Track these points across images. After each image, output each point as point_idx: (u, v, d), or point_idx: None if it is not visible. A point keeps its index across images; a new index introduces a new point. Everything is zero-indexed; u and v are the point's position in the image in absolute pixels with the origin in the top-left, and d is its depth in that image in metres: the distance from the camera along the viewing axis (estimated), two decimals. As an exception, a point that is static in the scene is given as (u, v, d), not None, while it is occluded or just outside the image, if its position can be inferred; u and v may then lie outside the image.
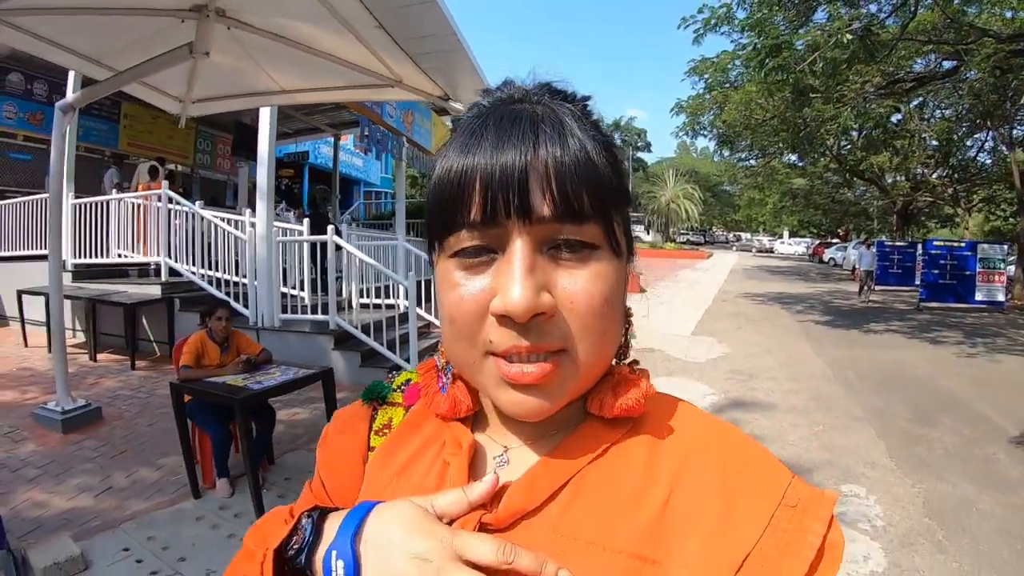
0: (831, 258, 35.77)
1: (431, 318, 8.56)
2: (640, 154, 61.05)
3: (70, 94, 7.20)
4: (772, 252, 52.76)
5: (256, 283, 7.14)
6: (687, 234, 59.04)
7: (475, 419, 0.66)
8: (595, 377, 0.58)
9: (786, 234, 54.34)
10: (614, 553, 0.51)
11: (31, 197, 9.25)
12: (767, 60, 9.84)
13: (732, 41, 12.54)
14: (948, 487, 4.44)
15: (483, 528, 0.54)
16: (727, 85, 14.44)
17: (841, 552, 0.50)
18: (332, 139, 14.87)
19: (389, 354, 6.63)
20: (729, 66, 13.46)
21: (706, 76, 14.22)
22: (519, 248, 0.51)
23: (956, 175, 23.21)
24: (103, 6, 3.93)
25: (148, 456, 4.69)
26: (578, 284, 0.53)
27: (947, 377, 7.98)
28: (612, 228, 0.55)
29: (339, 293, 7.37)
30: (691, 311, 14.11)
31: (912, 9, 10.26)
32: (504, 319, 0.51)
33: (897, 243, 21.12)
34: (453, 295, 0.54)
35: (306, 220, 7.93)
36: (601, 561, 0.51)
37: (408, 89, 5.32)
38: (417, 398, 0.71)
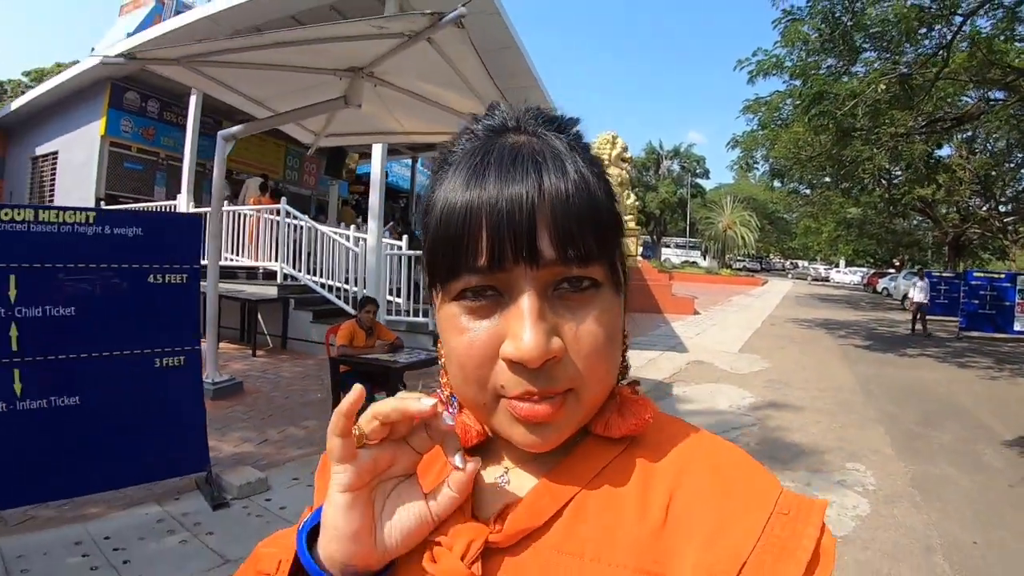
0: (884, 288, 35.90)
1: None
2: (698, 180, 61.55)
3: (189, 118, 8.65)
4: (828, 281, 52.65)
5: (365, 289, 8.49)
6: (743, 261, 59.14)
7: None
8: (599, 405, 0.59)
9: (842, 263, 54.12)
10: (618, 568, 0.52)
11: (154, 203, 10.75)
12: (811, 107, 10.92)
13: (784, 82, 13.44)
14: (934, 469, 5.45)
15: (489, 546, 0.55)
16: (779, 123, 15.31)
17: (834, 556, 0.52)
18: (410, 160, 16.33)
19: None
20: (781, 105, 14.45)
21: (760, 114, 15.24)
22: (528, 294, 0.52)
23: (1004, 207, 23.59)
24: (281, 63, 5.07)
25: (292, 419, 5.90)
26: (584, 326, 0.54)
27: (964, 394, 8.84)
28: (615, 264, 0.57)
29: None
30: (740, 332, 15.00)
31: (945, 56, 11.04)
32: (515, 365, 0.52)
33: (944, 274, 21.75)
34: (462, 341, 0.54)
35: (404, 237, 9.30)
36: None
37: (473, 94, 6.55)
38: None
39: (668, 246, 56.46)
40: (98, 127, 12.97)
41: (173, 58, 5.09)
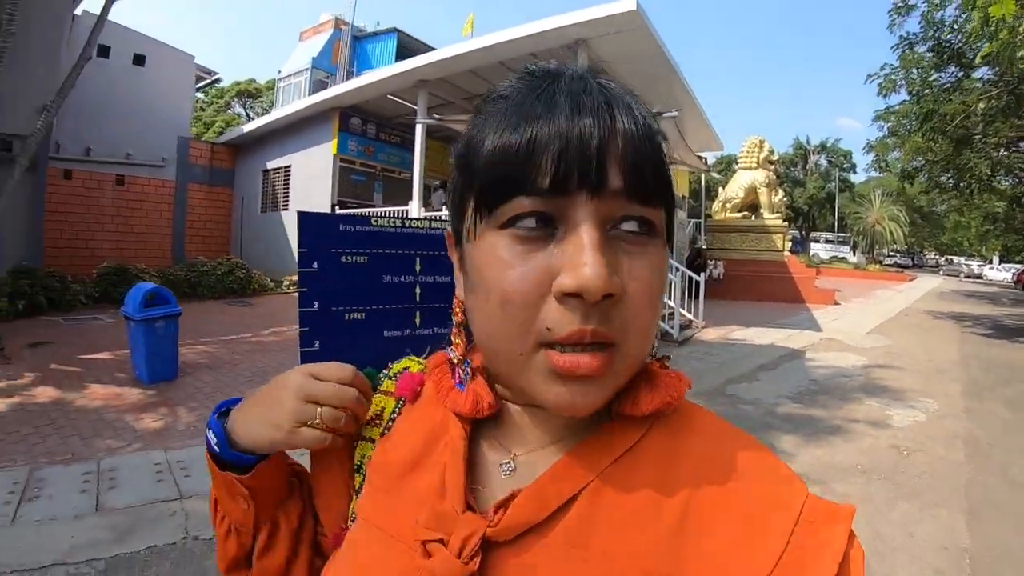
0: (1032, 284, 34.74)
1: (689, 315, 12.55)
2: (846, 174, 61.10)
3: (417, 139, 12.18)
4: (980, 278, 51.39)
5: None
6: (894, 256, 58.38)
7: (482, 422, 0.63)
8: (634, 372, 0.56)
9: (995, 259, 52.68)
10: (629, 568, 0.50)
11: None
12: (923, 124, 13.01)
13: (909, 92, 15.11)
14: (986, 406, 7.68)
15: (488, 541, 0.53)
16: (906, 131, 16.78)
17: (862, 567, 0.50)
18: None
19: (667, 326, 10.62)
20: (908, 114, 16.10)
21: (890, 122, 17.04)
22: (589, 224, 0.49)
23: None
24: None
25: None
26: (638, 272, 0.51)
27: (1056, 371, 10.52)
28: (671, 214, 0.55)
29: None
30: (873, 319, 16.69)
31: None
32: (570, 300, 0.48)
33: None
34: (509, 274, 0.50)
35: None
36: (615, 575, 0.50)
37: (687, 166, 9.34)
38: (410, 390, 0.70)
39: (818, 241, 56.29)
40: (331, 147, 16.65)
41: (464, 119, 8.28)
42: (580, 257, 0.48)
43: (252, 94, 43.61)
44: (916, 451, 5.74)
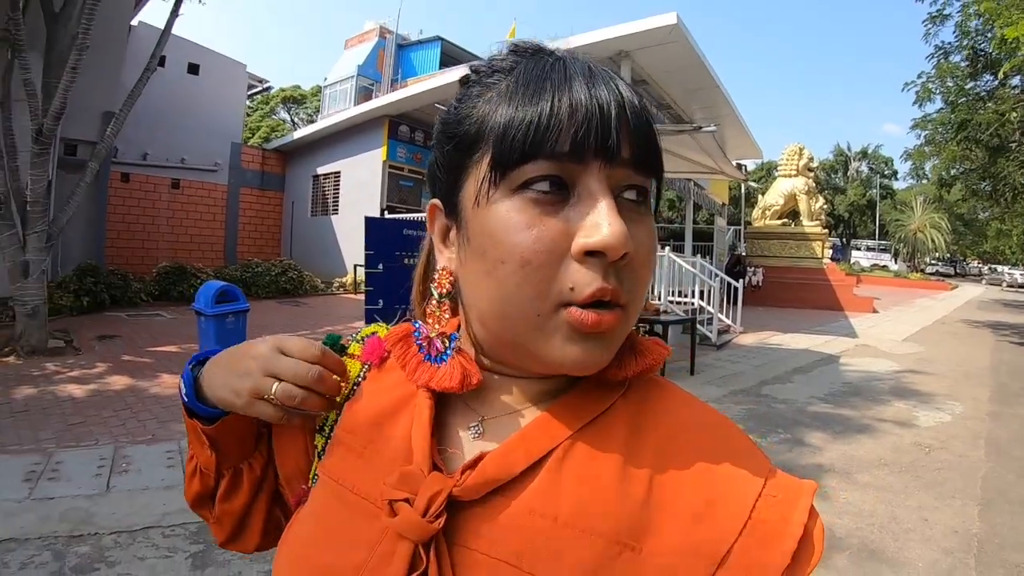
0: (1076, 294, 34.31)
1: (728, 320, 13.05)
2: (887, 180, 60.43)
3: None
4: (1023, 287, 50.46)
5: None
6: (936, 265, 57.62)
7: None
8: (626, 334, 0.57)
9: (1040, 267, 51.22)
10: (592, 535, 0.51)
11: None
12: (957, 134, 13.25)
13: (945, 101, 15.34)
14: (1011, 410, 8.01)
15: (456, 501, 0.53)
16: (944, 140, 16.75)
17: (822, 542, 0.52)
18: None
19: (706, 331, 11.30)
20: (944, 122, 16.21)
21: (926, 131, 17.22)
22: (598, 187, 0.52)
23: None
24: None
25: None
26: (641, 237, 0.53)
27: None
28: (660, 186, 0.58)
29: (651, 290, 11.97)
30: (909, 327, 16.89)
31: None
32: (591, 259, 0.50)
33: None
34: (527, 235, 0.51)
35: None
36: (577, 543, 0.51)
37: (725, 176, 9.80)
38: (375, 356, 0.71)
39: (859, 248, 55.70)
40: (380, 153, 17.30)
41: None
42: (601, 218, 0.50)
43: (297, 100, 44.55)
44: (938, 448, 6.11)
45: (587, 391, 0.59)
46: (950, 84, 14.56)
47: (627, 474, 0.54)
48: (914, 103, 15.24)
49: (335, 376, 0.66)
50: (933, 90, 14.73)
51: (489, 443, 0.59)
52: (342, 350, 0.74)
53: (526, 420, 0.59)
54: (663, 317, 9.27)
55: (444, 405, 0.64)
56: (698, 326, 10.79)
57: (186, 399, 0.72)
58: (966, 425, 7.12)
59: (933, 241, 43.27)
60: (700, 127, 7.88)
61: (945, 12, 14.23)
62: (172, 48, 16.48)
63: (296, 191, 20.73)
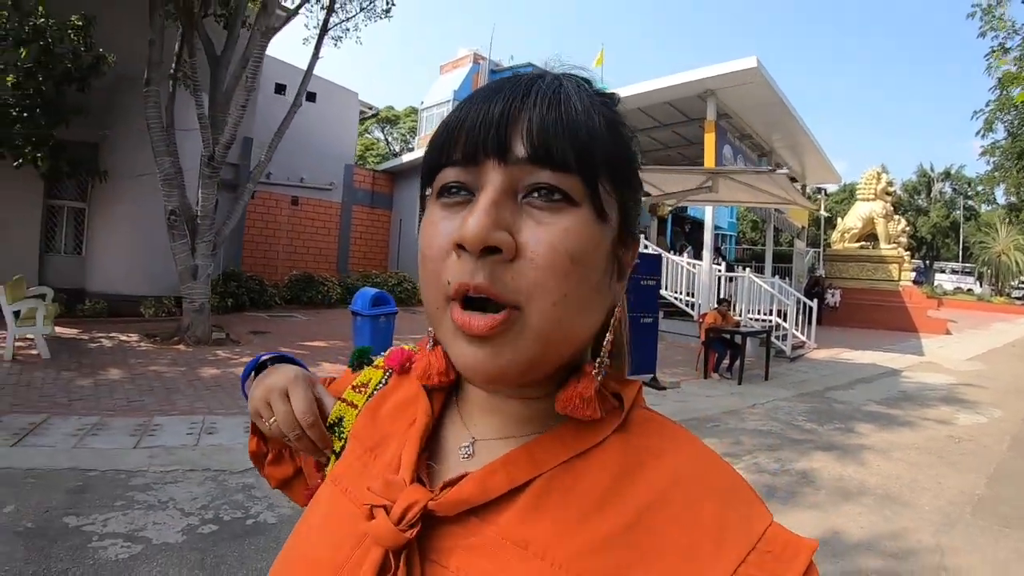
0: None
1: (802, 337, 14.40)
2: (971, 202, 59.42)
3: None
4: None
5: (699, 297, 13.58)
6: (1023, 288, 56.19)
7: (457, 403, 0.66)
8: (557, 352, 0.55)
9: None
10: (560, 571, 0.50)
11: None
12: (1019, 161, 14.28)
13: (1008, 132, 16.29)
14: None
15: (428, 513, 0.54)
16: (1011, 167, 17.79)
17: None
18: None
19: (781, 345, 12.77)
20: (1007, 151, 17.10)
21: (995, 158, 18.07)
22: (489, 184, 0.52)
23: None
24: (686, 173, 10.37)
25: (670, 362, 10.95)
26: (543, 234, 0.51)
27: None
28: (596, 185, 0.54)
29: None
30: (978, 348, 17.72)
31: None
32: (463, 252, 0.51)
33: None
34: (428, 233, 0.55)
35: (724, 262, 14.26)
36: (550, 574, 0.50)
37: (797, 205, 11.29)
38: (396, 362, 0.75)
39: (944, 271, 54.83)
40: None
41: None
42: (471, 212, 0.51)
43: (391, 121, 46.48)
44: (967, 441, 7.52)
45: (576, 426, 0.58)
46: (1011, 115, 15.52)
47: (610, 512, 0.53)
48: (977, 133, 16.24)
49: (316, 443, 0.74)
50: (996, 120, 15.75)
51: (477, 464, 0.58)
52: (369, 363, 0.79)
53: (515, 446, 0.58)
54: (742, 329, 10.79)
55: (444, 422, 0.66)
56: (774, 340, 12.21)
57: (245, 388, 0.85)
58: (999, 426, 8.41)
59: (1018, 264, 42.94)
60: (772, 170, 9.46)
61: (1007, 46, 15.04)
62: (292, 78, 18.51)
63: (403, 209, 22.59)
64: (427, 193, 0.58)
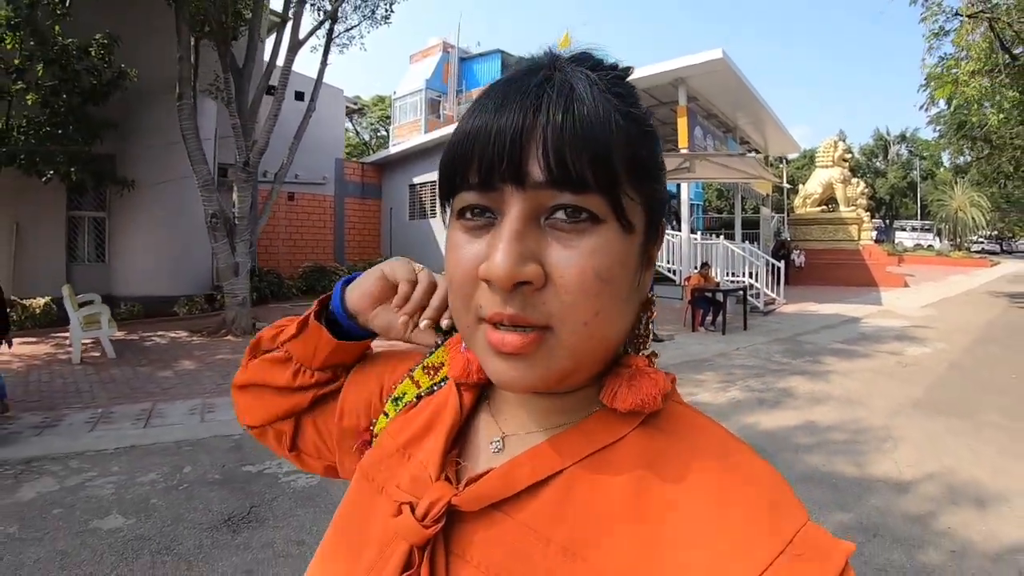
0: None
1: (773, 294, 16.02)
2: (926, 163, 60.97)
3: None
4: (1070, 264, 50.37)
5: (681, 265, 15.09)
6: (982, 243, 57.67)
7: (489, 398, 0.66)
8: (592, 360, 0.55)
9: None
10: (583, 565, 0.50)
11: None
12: (956, 133, 16.00)
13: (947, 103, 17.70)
14: (985, 350, 10.67)
15: (452, 509, 0.55)
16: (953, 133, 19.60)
17: None
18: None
19: (755, 302, 14.31)
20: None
21: (940, 127, 19.69)
22: (511, 214, 0.50)
23: None
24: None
25: (660, 320, 12.31)
26: (571, 258, 0.50)
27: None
28: (619, 200, 0.51)
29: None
30: (932, 297, 19.14)
31: None
32: (491, 284, 0.50)
33: None
34: (453, 257, 0.54)
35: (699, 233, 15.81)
36: (566, 569, 0.50)
37: (764, 180, 12.81)
38: (458, 373, 0.70)
39: (904, 229, 55.68)
40: None
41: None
42: (495, 248, 0.50)
43: (359, 110, 46.34)
44: (912, 365, 9.15)
45: (605, 418, 0.57)
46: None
47: (636, 507, 0.52)
48: (920, 107, 17.74)
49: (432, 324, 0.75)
50: (936, 96, 17.04)
51: (507, 459, 0.58)
52: (447, 338, 0.77)
53: (543, 439, 0.58)
54: (722, 288, 12.37)
55: (476, 418, 0.66)
56: (749, 298, 13.76)
57: (336, 308, 0.80)
58: (941, 355, 10.01)
59: (974, 220, 43.82)
60: (743, 153, 10.99)
61: (946, 28, 16.12)
62: (281, 80, 19.42)
63: (393, 198, 23.54)
64: (446, 209, 0.57)
